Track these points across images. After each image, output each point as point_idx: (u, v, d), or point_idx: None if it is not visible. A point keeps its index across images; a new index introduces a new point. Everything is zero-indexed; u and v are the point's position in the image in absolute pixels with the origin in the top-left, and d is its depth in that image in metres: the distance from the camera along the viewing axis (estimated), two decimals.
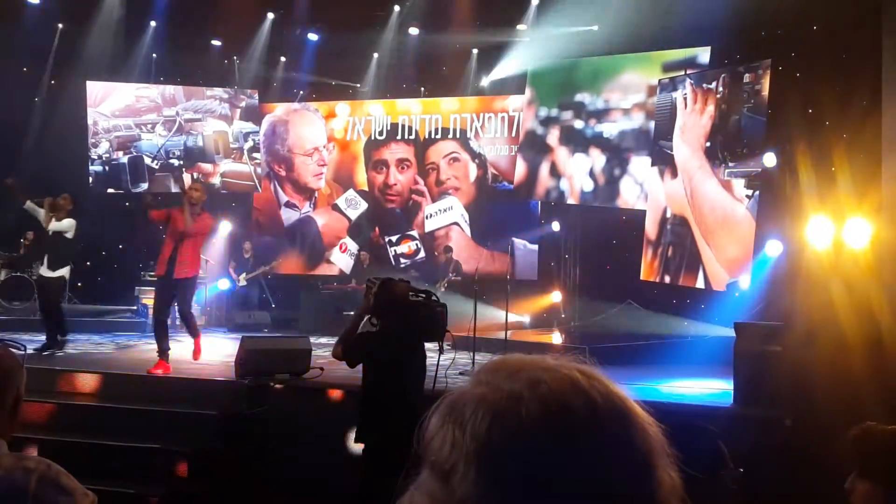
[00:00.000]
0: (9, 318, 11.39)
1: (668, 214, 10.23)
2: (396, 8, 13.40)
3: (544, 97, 12.39)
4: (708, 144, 9.52)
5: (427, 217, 13.74)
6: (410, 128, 13.98)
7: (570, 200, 12.26)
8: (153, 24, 13.56)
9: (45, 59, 13.61)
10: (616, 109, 11.62)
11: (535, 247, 12.95)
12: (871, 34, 6.57)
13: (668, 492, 0.72)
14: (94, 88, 13.36)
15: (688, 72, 10.42)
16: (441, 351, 4.72)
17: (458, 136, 13.70)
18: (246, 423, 6.51)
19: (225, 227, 13.17)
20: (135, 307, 12.51)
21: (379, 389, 4.60)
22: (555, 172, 12.22)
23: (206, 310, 12.59)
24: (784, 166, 8.53)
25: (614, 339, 9.54)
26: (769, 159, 9.12)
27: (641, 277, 10.60)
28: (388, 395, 4.51)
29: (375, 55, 14.05)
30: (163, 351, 7.49)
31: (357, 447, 4.85)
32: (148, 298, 11.80)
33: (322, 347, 8.82)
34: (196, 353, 8.04)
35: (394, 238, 13.89)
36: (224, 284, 12.88)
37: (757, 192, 8.87)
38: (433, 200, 13.76)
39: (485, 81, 13.84)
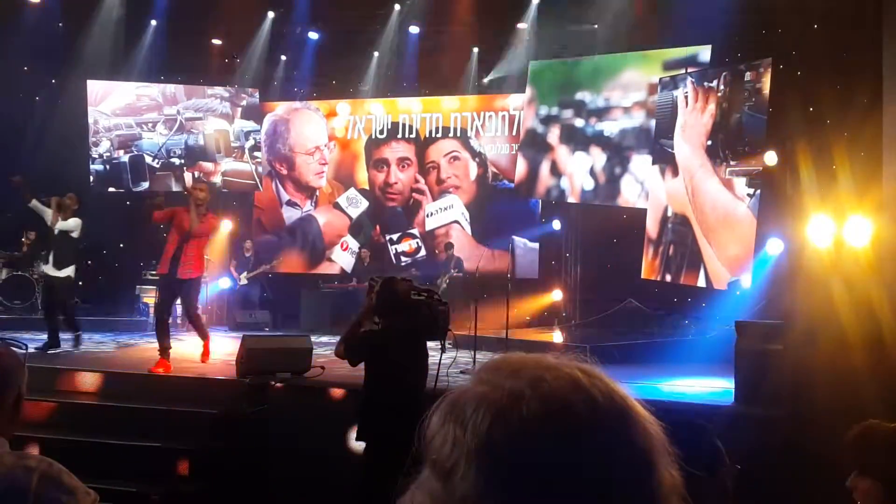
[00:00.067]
0: (10, 316, 11.40)
1: (669, 213, 10.23)
2: (397, 7, 13.40)
3: (545, 95, 12.38)
4: (709, 143, 9.51)
5: (427, 216, 13.75)
6: (411, 126, 13.99)
7: (571, 199, 12.25)
8: (154, 22, 13.55)
9: (46, 59, 13.60)
10: (617, 108, 11.61)
11: (536, 245, 12.94)
12: (872, 33, 6.56)
13: (669, 490, 0.72)
14: (94, 87, 13.35)
15: (689, 70, 10.41)
16: (443, 349, 4.73)
17: (458, 134, 13.70)
18: (247, 421, 6.51)
19: (226, 226, 13.17)
20: (136, 306, 12.52)
21: (380, 388, 4.61)
22: (555, 171, 12.21)
23: (207, 308, 12.58)
24: (784, 165, 8.52)
25: (615, 338, 9.55)
26: (770, 158, 9.11)
27: (642, 276, 10.60)
28: (390, 394, 4.52)
29: (376, 54, 14.04)
30: (164, 350, 7.50)
31: (358, 445, 4.86)
32: (149, 297, 11.82)
33: (323, 346, 8.84)
34: (205, 355, 7.99)
35: (394, 236, 13.90)
36: (225, 283, 12.89)
37: (758, 191, 8.86)
38: (434, 199, 13.76)
39: (485, 80, 13.84)
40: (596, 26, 11.87)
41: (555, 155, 12.19)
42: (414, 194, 13.90)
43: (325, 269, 14.05)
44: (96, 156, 13.43)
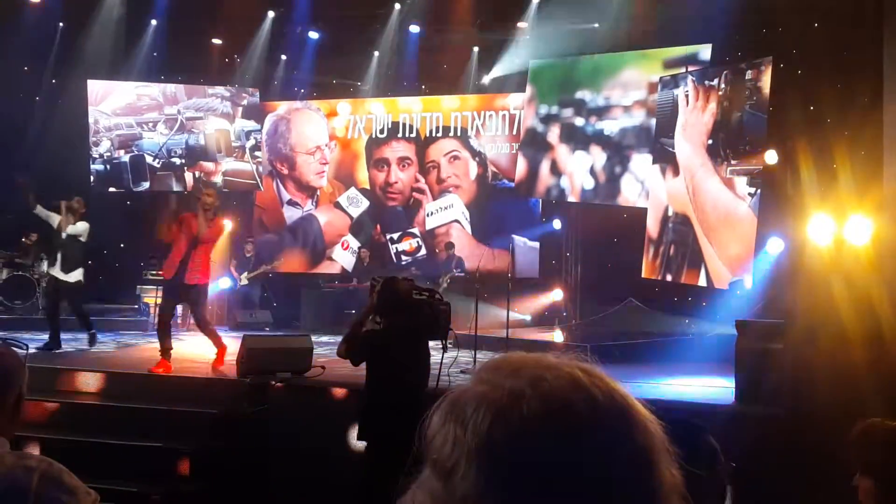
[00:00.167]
0: (10, 317, 11.41)
1: (670, 213, 10.22)
2: (397, 6, 13.39)
3: (545, 94, 12.37)
4: (710, 142, 9.50)
5: (428, 215, 13.76)
6: (411, 126, 13.99)
7: (571, 198, 12.24)
8: (154, 22, 13.55)
9: (46, 58, 13.61)
10: (617, 107, 11.59)
11: (537, 244, 12.94)
12: (873, 32, 6.56)
13: (670, 489, 0.72)
14: (95, 87, 13.35)
15: (689, 69, 10.40)
16: (444, 349, 4.73)
17: (458, 134, 13.70)
18: (247, 421, 6.52)
19: (227, 226, 13.17)
20: (136, 306, 12.52)
21: (382, 387, 4.62)
22: (555, 170, 12.21)
23: (207, 308, 12.57)
24: (785, 164, 8.52)
25: (615, 338, 9.54)
26: (770, 157, 9.11)
27: (643, 275, 10.59)
28: (391, 393, 4.53)
29: (376, 53, 14.04)
30: (165, 350, 7.49)
31: (359, 445, 4.86)
32: (149, 297, 11.82)
33: (323, 346, 8.85)
34: (218, 361, 7.80)
35: (395, 235, 13.91)
36: (225, 283, 12.89)
37: (759, 190, 8.86)
38: (434, 198, 13.77)
39: (485, 79, 13.83)
40: (596, 25, 11.86)
41: (555, 154, 12.18)
42: (414, 194, 13.90)
43: (325, 268, 14.06)
44: (97, 156, 13.43)
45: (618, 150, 11.60)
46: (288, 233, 14.31)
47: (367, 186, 14.18)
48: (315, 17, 13.42)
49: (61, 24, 13.44)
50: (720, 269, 9.30)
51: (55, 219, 8.74)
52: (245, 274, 12.93)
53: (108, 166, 13.49)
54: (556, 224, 12.96)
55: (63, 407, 6.84)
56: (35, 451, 5.38)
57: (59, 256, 8.76)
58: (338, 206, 14.24)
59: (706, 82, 9.72)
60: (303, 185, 14.34)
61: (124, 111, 13.55)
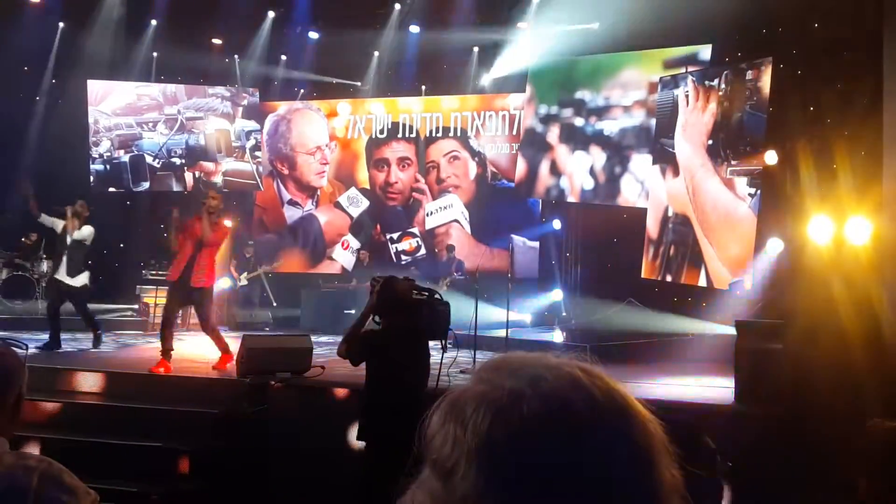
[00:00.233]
0: (10, 317, 11.40)
1: (670, 213, 10.22)
2: (397, 6, 13.39)
3: (544, 95, 12.37)
4: (710, 142, 9.50)
5: (427, 215, 13.76)
6: (411, 126, 13.99)
7: (571, 198, 12.25)
8: (154, 22, 13.56)
9: (46, 59, 13.61)
10: (617, 107, 11.60)
11: (536, 244, 12.95)
12: (873, 32, 6.56)
13: (670, 489, 0.72)
14: (94, 87, 13.35)
15: (689, 69, 10.39)
16: (444, 349, 4.73)
17: (458, 134, 13.71)
18: (247, 421, 6.52)
19: (230, 226, 13.16)
20: (136, 306, 12.52)
21: (382, 387, 4.61)
22: (555, 170, 12.21)
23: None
24: (785, 164, 8.52)
25: (615, 338, 9.53)
26: (770, 157, 9.11)
27: (643, 276, 10.59)
28: (391, 393, 4.52)
29: (376, 53, 14.05)
30: (165, 350, 7.48)
31: (359, 445, 4.86)
32: (149, 297, 11.82)
33: (323, 346, 8.84)
34: (220, 364, 7.72)
35: (395, 235, 13.92)
36: (225, 283, 12.88)
37: (759, 191, 8.86)
38: (433, 198, 13.78)
39: (485, 80, 13.83)
40: (596, 25, 11.85)
41: (554, 154, 12.19)
42: (414, 194, 13.91)
43: (326, 267, 14.07)
44: (97, 156, 13.43)
45: (618, 151, 11.60)
46: (288, 232, 14.32)
47: (367, 186, 14.18)
48: (315, 17, 13.42)
49: (61, 24, 13.45)
50: (720, 269, 9.30)
51: (59, 224, 8.76)
52: (244, 275, 12.94)
53: (108, 166, 13.50)
54: (556, 224, 12.96)
55: (63, 407, 6.83)
56: (35, 451, 5.38)
57: (63, 260, 8.76)
58: (338, 205, 14.24)
59: (706, 82, 9.72)
60: (303, 185, 14.34)
61: (124, 111, 13.55)
